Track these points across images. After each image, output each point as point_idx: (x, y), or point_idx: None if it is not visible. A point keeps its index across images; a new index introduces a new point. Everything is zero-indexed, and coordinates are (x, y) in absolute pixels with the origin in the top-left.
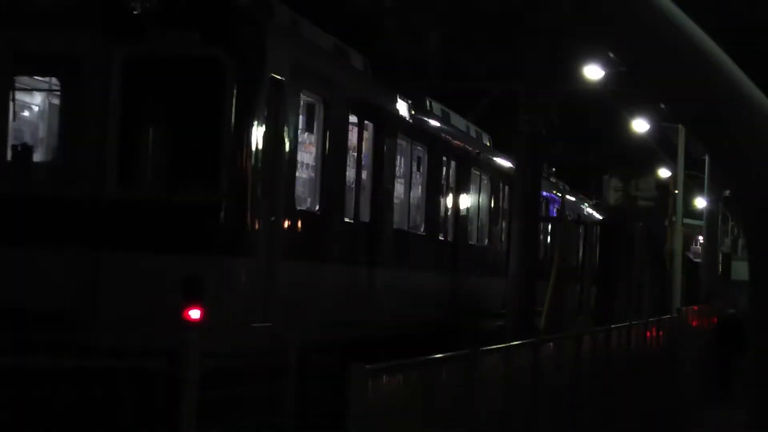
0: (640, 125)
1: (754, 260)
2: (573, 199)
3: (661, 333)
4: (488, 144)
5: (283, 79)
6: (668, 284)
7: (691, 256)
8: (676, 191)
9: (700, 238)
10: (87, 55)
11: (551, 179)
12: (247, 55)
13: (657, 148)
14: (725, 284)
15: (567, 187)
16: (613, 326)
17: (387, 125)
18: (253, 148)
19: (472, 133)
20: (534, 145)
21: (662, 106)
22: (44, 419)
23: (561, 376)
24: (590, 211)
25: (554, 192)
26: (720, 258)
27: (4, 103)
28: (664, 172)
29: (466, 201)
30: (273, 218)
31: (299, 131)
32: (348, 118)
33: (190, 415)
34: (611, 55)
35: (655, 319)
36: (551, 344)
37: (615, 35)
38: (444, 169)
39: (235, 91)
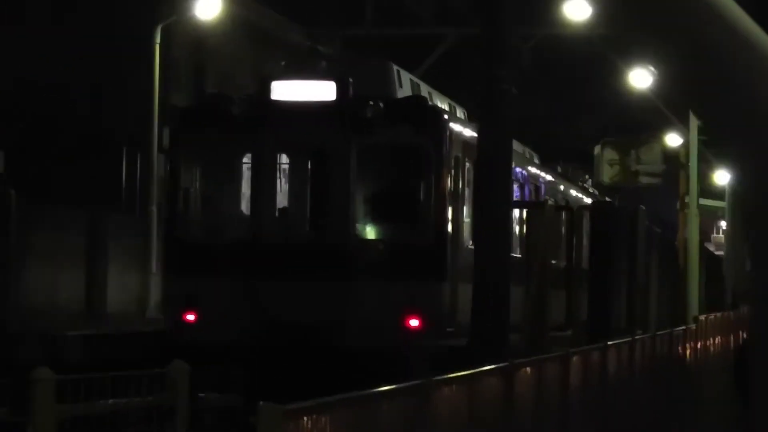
0: (640, 78)
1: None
2: (553, 179)
3: (673, 349)
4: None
5: (459, 155)
6: (682, 285)
7: (712, 248)
8: (689, 163)
9: (723, 223)
10: (333, 144)
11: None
12: (439, 142)
13: (663, 107)
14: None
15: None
16: (610, 343)
17: None
18: (446, 209)
19: (527, 155)
20: (501, 108)
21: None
22: None
23: (543, 409)
24: (578, 193)
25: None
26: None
27: (272, 179)
28: (673, 139)
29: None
30: (456, 256)
31: (465, 188)
32: None
33: None
34: None
35: (666, 331)
36: (528, 369)
37: None
38: (529, 196)
39: (433, 167)
